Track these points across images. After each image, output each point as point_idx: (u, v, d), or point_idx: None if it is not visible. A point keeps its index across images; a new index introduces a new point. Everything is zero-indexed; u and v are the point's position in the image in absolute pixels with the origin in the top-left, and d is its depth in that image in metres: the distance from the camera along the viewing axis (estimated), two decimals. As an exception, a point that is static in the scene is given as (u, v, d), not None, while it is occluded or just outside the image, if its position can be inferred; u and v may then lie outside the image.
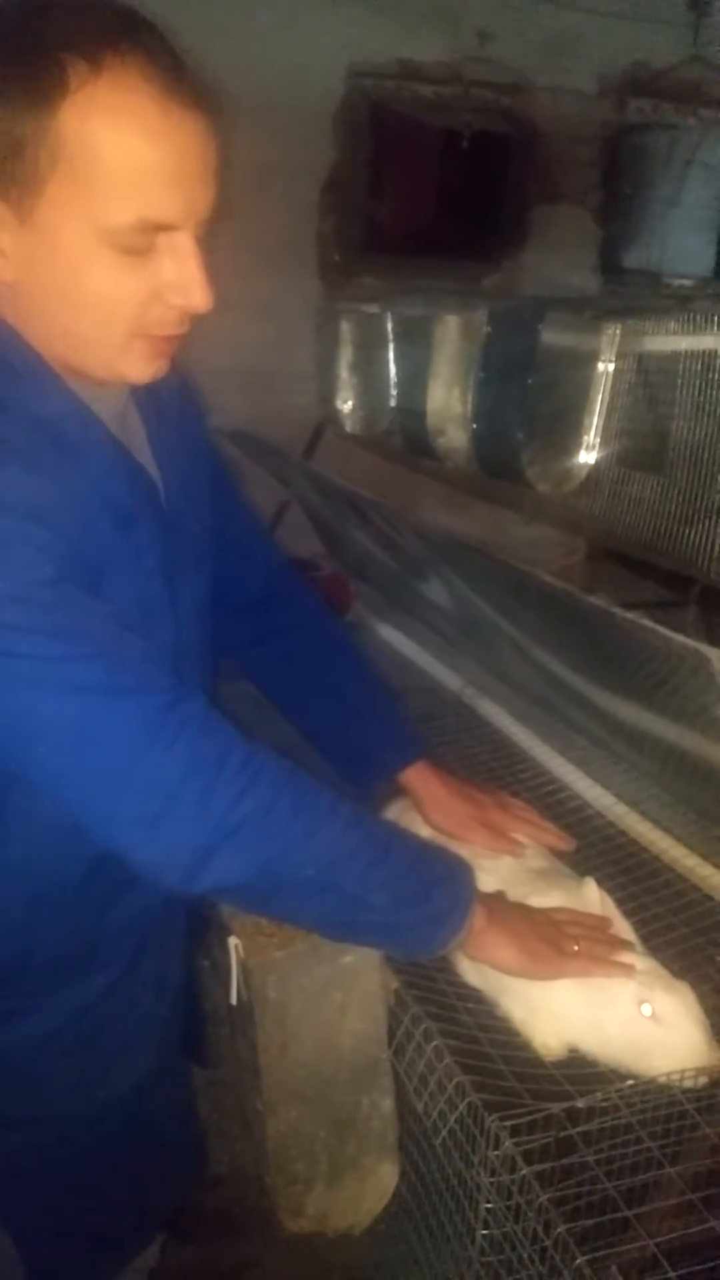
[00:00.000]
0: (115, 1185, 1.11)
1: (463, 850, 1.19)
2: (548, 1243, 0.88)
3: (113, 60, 0.79)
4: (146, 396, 0.99)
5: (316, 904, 0.92)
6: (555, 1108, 0.95)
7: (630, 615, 1.22)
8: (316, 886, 0.90)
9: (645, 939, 1.16)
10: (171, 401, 1.03)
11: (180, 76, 0.82)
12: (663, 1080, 1.00)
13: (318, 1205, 1.11)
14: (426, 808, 1.29)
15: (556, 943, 1.05)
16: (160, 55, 0.81)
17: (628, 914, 1.18)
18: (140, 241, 0.83)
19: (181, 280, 0.85)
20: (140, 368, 0.90)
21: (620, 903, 1.19)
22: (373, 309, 2.22)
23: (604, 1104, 0.97)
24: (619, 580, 2.62)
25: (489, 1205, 0.96)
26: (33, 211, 0.81)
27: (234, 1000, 1.04)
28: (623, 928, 1.15)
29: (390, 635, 2.26)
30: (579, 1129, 0.95)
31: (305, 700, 1.31)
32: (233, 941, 1.02)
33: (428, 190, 4.06)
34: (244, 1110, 1.14)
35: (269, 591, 1.29)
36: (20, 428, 0.83)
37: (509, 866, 1.23)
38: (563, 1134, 0.94)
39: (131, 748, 0.83)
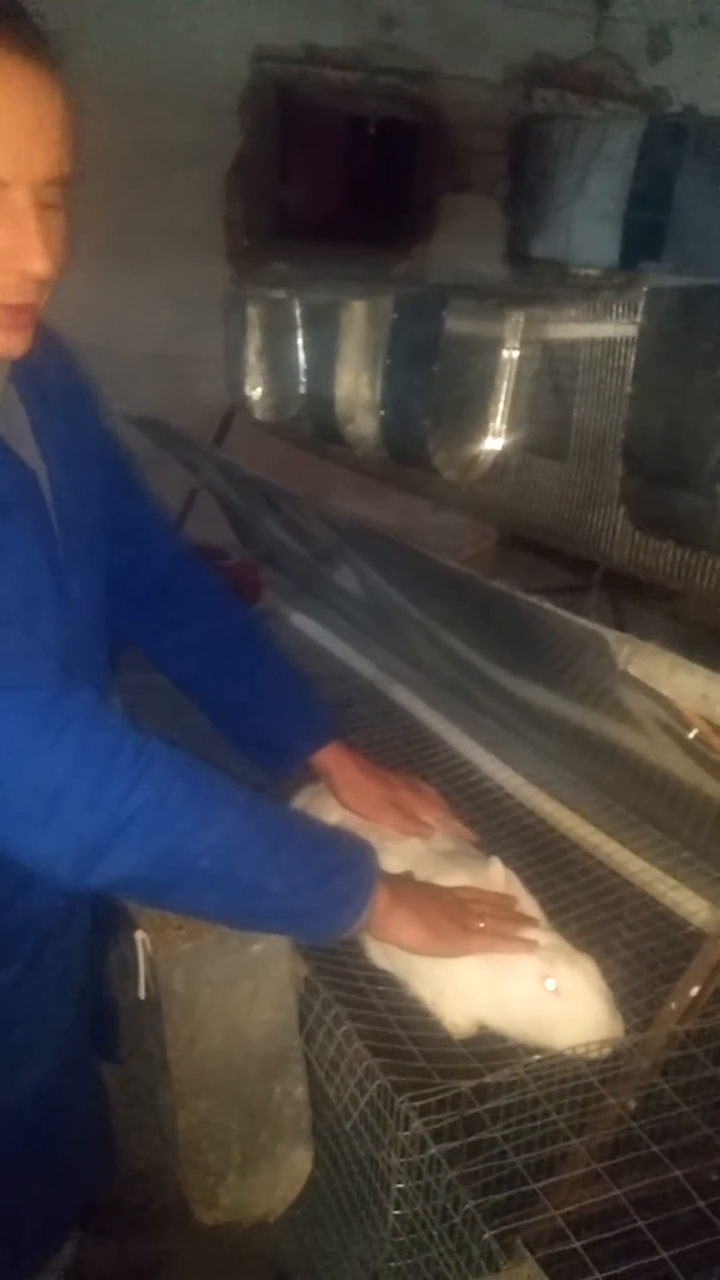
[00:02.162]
0: (23, 1186, 1.09)
1: (370, 834, 1.19)
2: (456, 1219, 0.89)
3: None
4: (29, 382, 0.96)
5: (215, 894, 0.91)
6: (463, 1086, 0.96)
7: (533, 599, 1.23)
8: (214, 876, 0.89)
9: (552, 915, 1.18)
10: (57, 387, 1.00)
11: (14, 26, 0.78)
12: (568, 1053, 1.02)
13: (231, 1195, 1.11)
14: (339, 789, 1.29)
15: (461, 920, 1.06)
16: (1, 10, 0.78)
17: (535, 891, 1.19)
18: None
19: (14, 243, 0.81)
20: None
21: (528, 881, 1.20)
22: (280, 295, 2.21)
23: (511, 1080, 0.98)
24: (526, 566, 2.65)
25: (400, 1186, 0.97)
26: None
27: (141, 995, 1.03)
28: (528, 905, 1.16)
29: (302, 623, 2.26)
30: (487, 1106, 0.96)
31: (213, 687, 1.29)
32: (139, 936, 1.01)
33: (336, 177, 4.04)
34: (155, 1104, 1.13)
35: (169, 580, 1.27)
36: None
37: (415, 848, 1.24)
38: (471, 1111, 0.96)
39: (15, 745, 0.81)
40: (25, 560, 0.90)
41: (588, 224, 4.56)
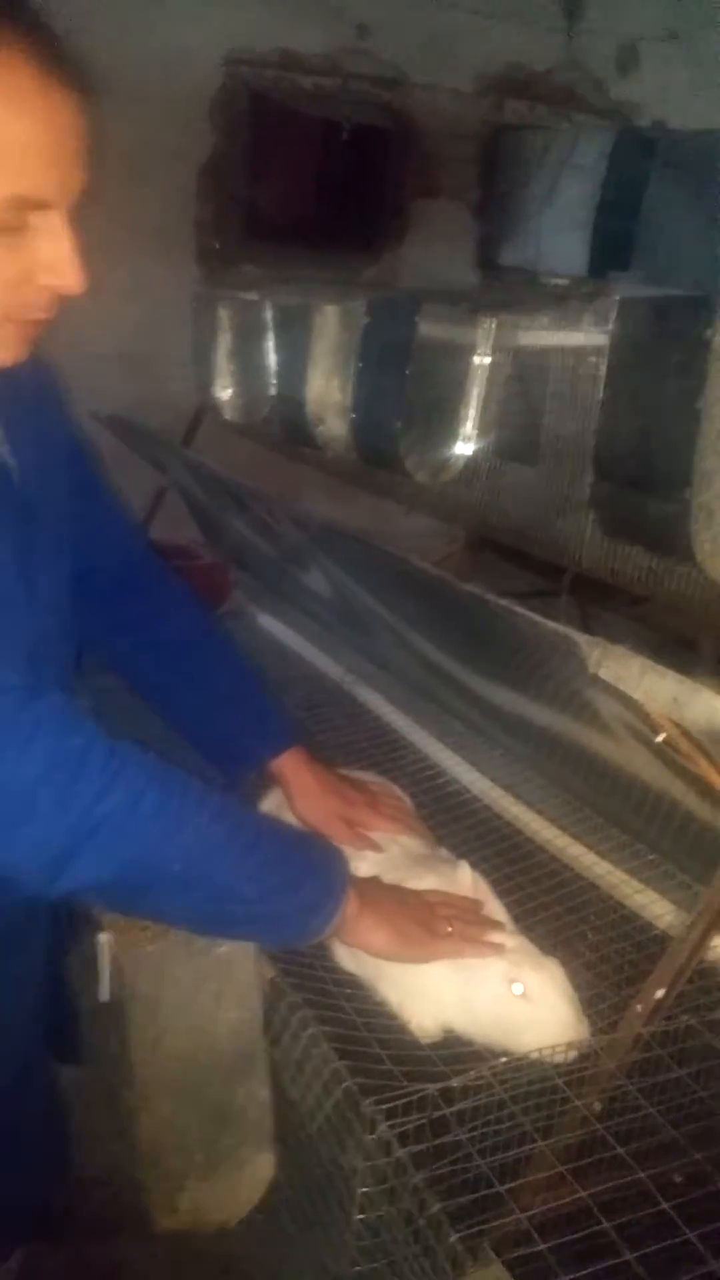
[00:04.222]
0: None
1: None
2: (421, 1223, 0.89)
3: None
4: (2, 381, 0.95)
5: (185, 899, 0.90)
6: (430, 1089, 0.96)
7: (503, 602, 1.23)
8: (184, 881, 0.88)
9: (519, 919, 1.19)
10: (27, 383, 0.99)
11: (59, 55, 0.80)
12: (534, 1056, 1.02)
13: (192, 1200, 1.10)
14: (294, 798, 1.28)
15: (428, 924, 1.06)
16: (39, 33, 0.80)
17: (502, 895, 1.19)
18: (13, 219, 0.80)
19: (55, 260, 0.83)
20: (3, 352, 0.87)
21: (496, 884, 1.21)
22: (251, 297, 2.20)
23: (477, 1082, 0.98)
24: (496, 570, 2.66)
25: (365, 1189, 0.96)
26: None
27: (104, 997, 1.01)
28: (495, 908, 1.16)
29: (270, 624, 2.25)
30: (453, 1108, 0.96)
31: (169, 690, 1.28)
32: (103, 937, 1.00)
33: (308, 180, 4.05)
34: (116, 1108, 1.12)
35: (129, 580, 1.26)
36: None
37: (389, 849, 1.24)
38: (437, 1114, 0.95)
39: None
40: None
41: (557, 233, 4.60)
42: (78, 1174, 1.21)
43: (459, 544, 2.96)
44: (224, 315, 2.28)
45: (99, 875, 0.84)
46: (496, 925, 1.13)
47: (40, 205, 0.81)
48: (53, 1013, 1.10)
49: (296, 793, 1.28)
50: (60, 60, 0.80)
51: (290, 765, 1.28)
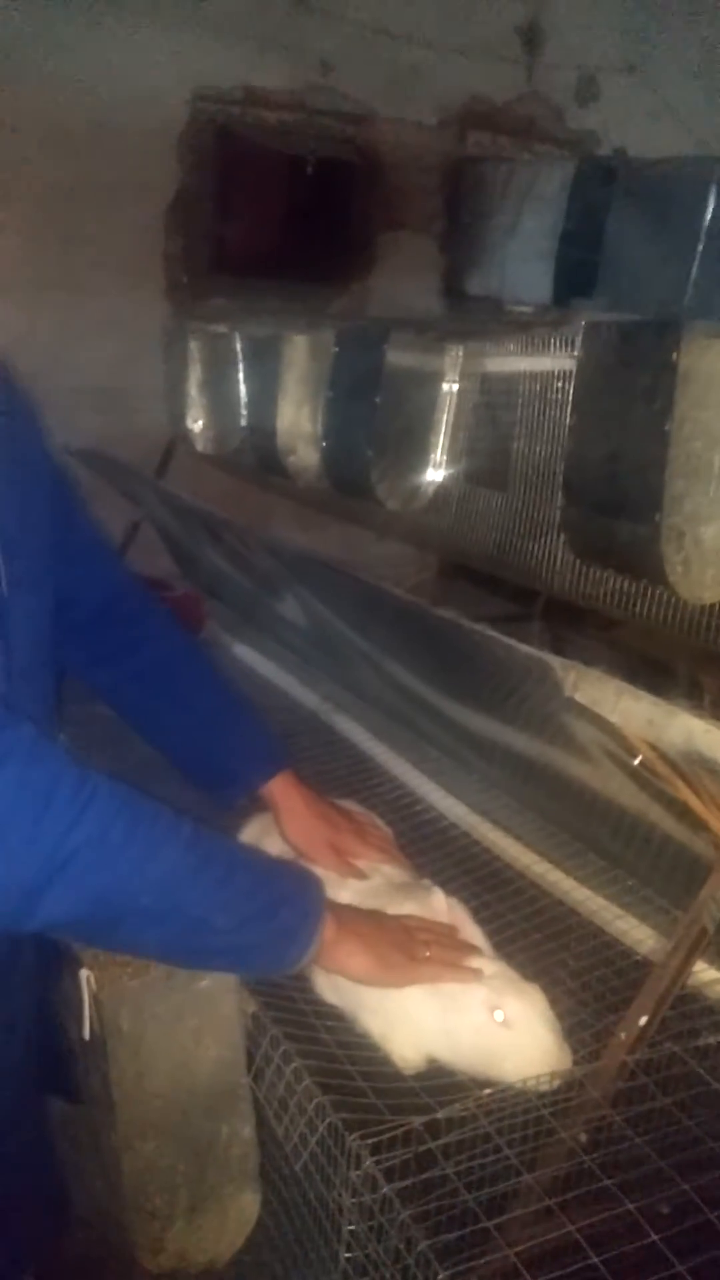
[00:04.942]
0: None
1: (316, 867, 1.18)
2: (409, 1260, 0.87)
3: None
4: None
5: (158, 932, 0.89)
6: (415, 1122, 0.95)
7: (477, 626, 1.24)
8: (157, 914, 0.87)
9: (498, 945, 1.18)
10: (6, 415, 0.99)
11: None
12: (519, 1086, 1.01)
13: (178, 1241, 1.08)
14: (284, 822, 1.28)
15: (407, 949, 1.05)
16: None
17: (480, 921, 1.19)
18: None
19: None
20: None
21: (474, 910, 1.20)
22: (221, 329, 2.21)
23: (462, 1115, 0.97)
24: (468, 596, 2.67)
25: (351, 1227, 0.95)
26: None
27: (86, 1035, 1.00)
28: (473, 933, 1.16)
29: (245, 654, 2.24)
30: (439, 1142, 0.95)
31: (158, 718, 1.27)
32: (84, 974, 0.98)
33: (275, 215, 4.08)
34: (99, 1147, 1.10)
35: (111, 608, 1.25)
36: None
37: (367, 879, 1.23)
38: (423, 1148, 0.94)
39: None
40: None
41: (521, 262, 4.65)
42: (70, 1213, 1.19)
43: (430, 571, 2.98)
44: (194, 347, 2.29)
45: (70, 910, 0.83)
46: (474, 950, 1.12)
47: None
48: (43, 1049, 1.09)
49: (286, 817, 1.28)
50: None
51: (280, 789, 1.28)
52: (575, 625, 2.57)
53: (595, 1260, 0.86)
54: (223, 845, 0.98)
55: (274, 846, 1.29)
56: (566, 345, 1.46)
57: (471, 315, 4.36)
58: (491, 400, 1.75)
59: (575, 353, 1.39)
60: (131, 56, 3.39)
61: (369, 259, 4.19)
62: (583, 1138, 0.97)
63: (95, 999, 1.00)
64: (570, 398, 1.40)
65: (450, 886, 1.20)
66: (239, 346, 2.15)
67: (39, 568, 1.00)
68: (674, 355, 1.16)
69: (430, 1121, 0.96)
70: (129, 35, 3.35)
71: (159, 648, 1.27)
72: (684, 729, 0.90)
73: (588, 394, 1.35)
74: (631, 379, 1.24)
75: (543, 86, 4.43)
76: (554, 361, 1.50)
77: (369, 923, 1.06)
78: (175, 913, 0.88)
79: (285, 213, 4.09)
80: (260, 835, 1.34)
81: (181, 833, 0.88)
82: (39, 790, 0.81)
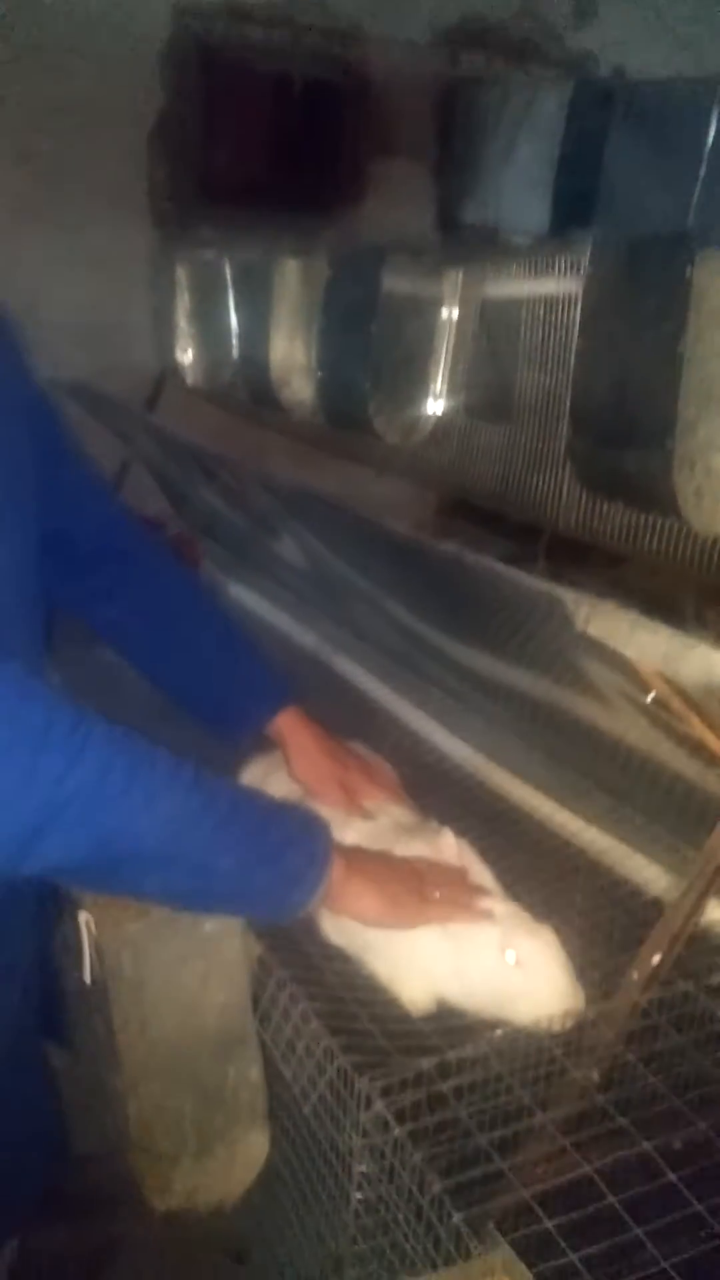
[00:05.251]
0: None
1: (322, 808, 1.16)
2: (423, 1202, 0.86)
3: None
4: None
5: (161, 876, 0.87)
6: (425, 1064, 0.94)
7: (484, 560, 1.20)
8: (160, 858, 0.84)
9: (507, 887, 1.16)
10: None
11: None
12: (530, 1027, 0.99)
13: (186, 1181, 1.07)
14: (292, 758, 1.25)
15: (417, 890, 1.03)
16: None
17: (489, 862, 1.17)
18: None
19: None
20: None
21: (482, 852, 1.18)
22: (210, 255, 2.14)
23: (473, 1056, 0.96)
24: (468, 536, 2.62)
25: (363, 1169, 0.94)
26: None
27: (88, 979, 0.98)
28: (482, 874, 1.14)
29: (242, 594, 2.20)
30: (449, 1083, 0.94)
31: (160, 654, 1.24)
32: (83, 917, 0.96)
33: (261, 139, 3.95)
34: (104, 1090, 1.09)
35: (107, 544, 1.21)
36: None
37: (374, 817, 1.21)
38: (434, 1090, 0.93)
39: None
40: None
41: (517, 190, 4.52)
42: (72, 1153, 1.18)
43: (429, 509, 2.93)
44: (182, 275, 2.21)
45: (68, 855, 0.80)
46: (485, 891, 1.10)
47: None
48: (42, 994, 1.07)
49: (294, 753, 1.26)
50: None
51: (288, 725, 1.26)
52: (579, 564, 2.53)
53: (612, 1199, 0.86)
54: (225, 788, 0.95)
55: (278, 789, 1.27)
56: (572, 267, 1.40)
57: (469, 242, 4.26)
58: (493, 327, 1.69)
59: (581, 273, 1.33)
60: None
61: (359, 186, 4.08)
62: (596, 1077, 0.96)
63: (96, 943, 0.98)
64: (576, 322, 1.35)
65: (456, 827, 1.18)
66: (229, 273, 2.08)
67: (20, 502, 0.96)
68: (688, 269, 1.11)
69: (440, 1063, 0.95)
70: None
71: (158, 582, 1.24)
72: (704, 662, 0.87)
73: (595, 316, 1.30)
74: (642, 298, 1.19)
75: (538, 5, 4.28)
76: (559, 284, 1.44)
77: (378, 864, 1.04)
78: (178, 857, 0.85)
79: (272, 137, 3.96)
80: (263, 777, 1.31)
81: (182, 775, 0.85)
82: (32, 730, 0.78)
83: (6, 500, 0.93)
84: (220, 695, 1.25)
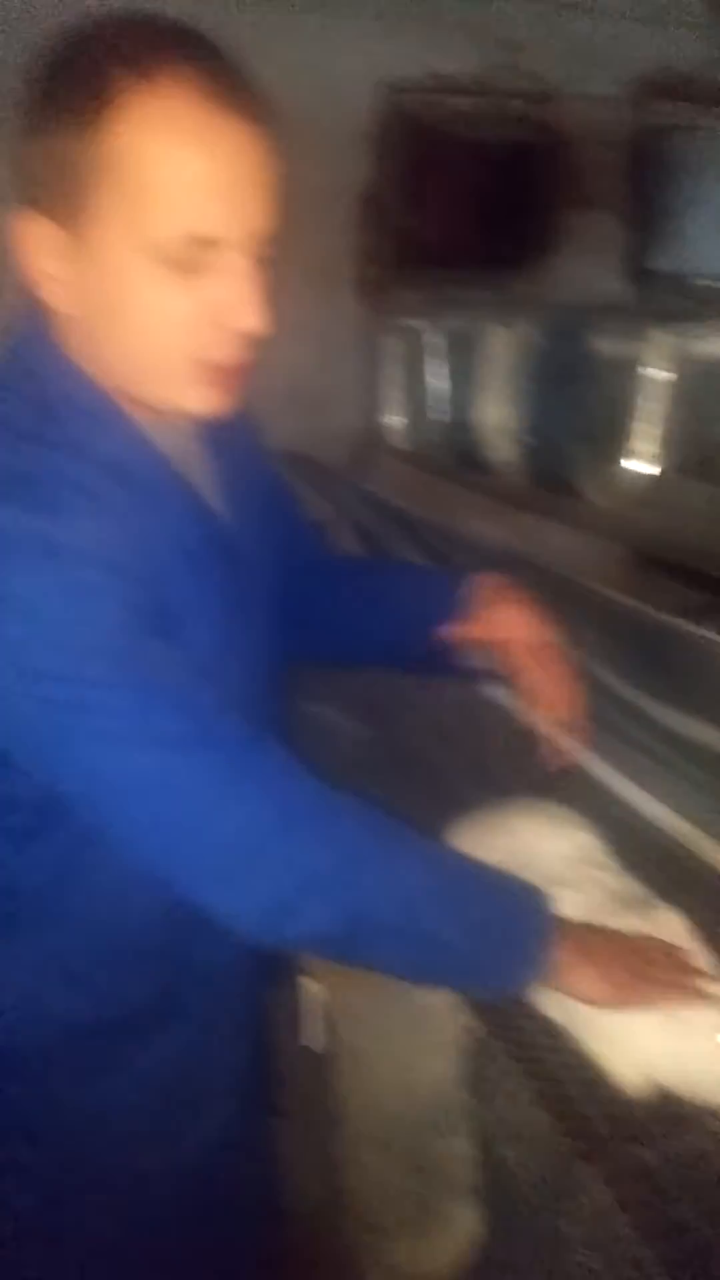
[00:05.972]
0: (192, 1242, 1.06)
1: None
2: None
3: (160, 71, 0.76)
4: (208, 428, 0.95)
5: (394, 947, 0.88)
6: (648, 1155, 0.91)
7: (698, 630, 1.17)
8: (398, 931, 0.86)
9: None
10: (232, 432, 0.99)
11: (233, 87, 0.79)
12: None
13: (399, 1255, 1.07)
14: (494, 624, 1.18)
15: (641, 972, 1.01)
16: (211, 65, 0.79)
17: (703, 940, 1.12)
18: (189, 257, 0.80)
19: (232, 299, 0.82)
20: (198, 398, 0.87)
21: (693, 928, 1.14)
22: (414, 323, 2.19)
23: (700, 1149, 0.92)
24: (653, 585, 2.56)
25: (580, 1259, 0.91)
26: (84, 232, 0.79)
27: (311, 1045, 1.00)
28: (702, 957, 1.10)
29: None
30: (673, 1172, 0.90)
31: (347, 626, 1.22)
32: (310, 985, 0.99)
33: (462, 203, 4.03)
34: (319, 1154, 1.10)
35: (322, 595, 1.23)
36: (91, 470, 0.81)
37: (590, 890, 1.19)
38: (659, 1181, 0.90)
39: (210, 800, 0.80)
40: (218, 612, 0.89)
41: (707, 236, 4.44)
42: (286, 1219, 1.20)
43: (627, 567, 2.87)
44: (389, 343, 2.28)
45: (320, 926, 0.83)
46: (707, 975, 1.06)
47: (214, 242, 0.80)
48: (262, 1059, 1.10)
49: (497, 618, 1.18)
50: (234, 92, 0.78)
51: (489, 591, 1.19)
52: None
53: None
54: (457, 861, 0.97)
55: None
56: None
57: (660, 294, 4.20)
58: (701, 385, 1.67)
59: None
60: (319, 50, 3.40)
61: (553, 240, 4.09)
62: None
63: (319, 1009, 1.00)
64: None
65: (667, 902, 1.14)
66: (435, 340, 2.13)
67: (272, 586, 1.00)
68: None
69: (664, 1153, 0.92)
70: (317, 29, 3.37)
71: (340, 593, 1.23)
72: None
73: None
74: None
75: (731, 53, 4.21)
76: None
77: (602, 943, 1.02)
78: (415, 931, 0.87)
79: (471, 201, 4.04)
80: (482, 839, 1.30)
81: (421, 849, 0.88)
82: (292, 809, 0.82)
83: (264, 583, 0.97)
84: (409, 616, 1.19)
